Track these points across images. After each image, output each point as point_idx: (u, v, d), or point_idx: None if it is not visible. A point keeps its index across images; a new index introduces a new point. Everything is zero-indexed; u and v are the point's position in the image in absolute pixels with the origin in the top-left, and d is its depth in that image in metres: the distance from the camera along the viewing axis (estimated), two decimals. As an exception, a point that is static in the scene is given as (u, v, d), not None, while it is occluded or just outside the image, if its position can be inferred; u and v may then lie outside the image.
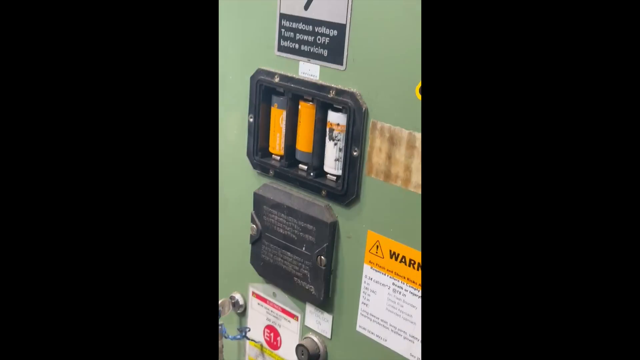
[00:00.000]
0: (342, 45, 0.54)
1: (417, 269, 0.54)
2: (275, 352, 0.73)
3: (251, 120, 0.63)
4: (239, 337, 0.73)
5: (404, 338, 0.56)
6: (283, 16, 0.59)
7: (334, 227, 0.60)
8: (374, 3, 0.52)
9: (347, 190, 0.58)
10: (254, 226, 0.66)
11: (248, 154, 0.65)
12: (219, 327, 0.69)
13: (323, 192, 0.60)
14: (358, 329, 0.63)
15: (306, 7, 0.56)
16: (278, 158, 0.65)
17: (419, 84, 0.49)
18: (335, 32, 0.54)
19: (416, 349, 0.56)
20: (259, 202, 0.65)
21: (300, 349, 0.66)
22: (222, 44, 0.64)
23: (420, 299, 0.55)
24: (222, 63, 0.64)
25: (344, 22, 0.54)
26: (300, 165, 0.63)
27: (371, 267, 0.59)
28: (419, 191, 0.52)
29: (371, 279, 0.59)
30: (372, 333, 0.61)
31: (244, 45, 0.63)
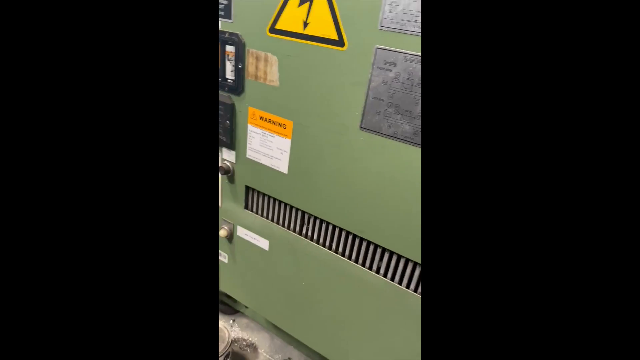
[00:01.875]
0: (230, 9, 0.90)
1: (273, 124, 0.91)
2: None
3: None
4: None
5: (269, 158, 0.96)
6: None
7: (232, 106, 0.97)
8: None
9: (237, 86, 0.93)
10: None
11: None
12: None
13: (226, 88, 0.96)
14: (248, 156, 0.99)
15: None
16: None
17: (268, 26, 0.84)
18: (227, 2, 0.90)
19: (275, 163, 0.94)
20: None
21: (221, 169, 1.04)
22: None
23: (275, 138, 0.92)
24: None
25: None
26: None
27: (251, 125, 0.96)
28: (272, 83, 0.87)
29: (252, 131, 0.97)
30: (254, 158, 0.99)
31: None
